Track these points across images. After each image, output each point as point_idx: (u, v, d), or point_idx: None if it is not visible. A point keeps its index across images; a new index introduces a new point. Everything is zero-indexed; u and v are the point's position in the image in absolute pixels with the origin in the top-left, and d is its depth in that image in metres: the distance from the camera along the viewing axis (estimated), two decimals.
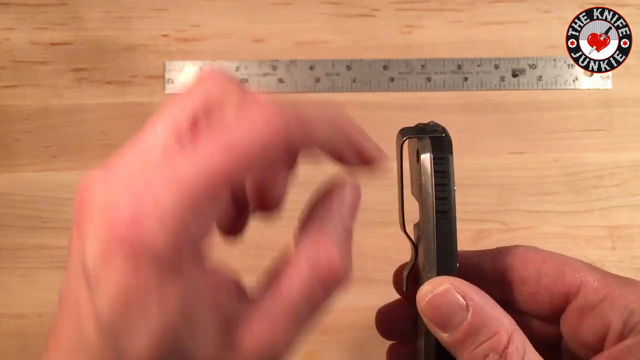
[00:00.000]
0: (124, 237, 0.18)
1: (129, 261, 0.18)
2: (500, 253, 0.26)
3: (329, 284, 0.21)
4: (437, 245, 0.24)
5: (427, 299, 0.23)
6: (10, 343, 0.51)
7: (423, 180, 0.24)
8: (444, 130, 0.25)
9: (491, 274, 0.26)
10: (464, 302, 0.22)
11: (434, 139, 0.24)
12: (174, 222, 0.19)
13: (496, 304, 0.23)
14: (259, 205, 0.24)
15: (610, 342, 0.23)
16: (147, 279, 0.19)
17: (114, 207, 0.19)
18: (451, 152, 0.24)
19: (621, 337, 0.23)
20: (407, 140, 0.26)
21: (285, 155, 0.21)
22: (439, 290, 0.23)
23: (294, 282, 0.21)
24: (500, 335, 0.22)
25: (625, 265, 0.53)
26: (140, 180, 0.19)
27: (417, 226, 0.25)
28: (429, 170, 0.24)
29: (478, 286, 0.24)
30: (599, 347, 0.24)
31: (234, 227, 0.25)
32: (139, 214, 0.19)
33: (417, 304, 0.23)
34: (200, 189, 0.19)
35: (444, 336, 0.23)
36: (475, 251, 0.27)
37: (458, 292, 0.23)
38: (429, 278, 0.24)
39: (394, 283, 0.27)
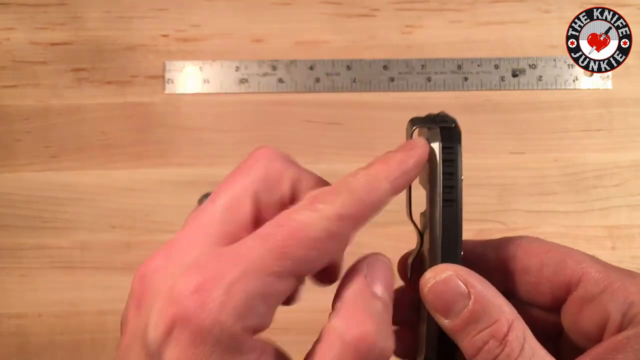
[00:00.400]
0: (189, 316, 0.19)
1: (192, 339, 0.19)
2: (504, 243, 0.27)
3: (365, 357, 0.20)
4: (442, 234, 0.24)
5: (429, 285, 0.23)
6: (10, 343, 0.51)
7: (431, 169, 0.25)
8: (453, 120, 0.25)
9: (494, 263, 0.26)
10: (466, 290, 0.23)
11: (444, 129, 0.25)
12: (240, 304, 0.19)
13: (498, 292, 0.23)
14: (317, 278, 0.25)
15: (609, 333, 0.24)
16: (209, 358, 0.19)
17: (179, 285, 0.19)
18: (460, 142, 0.25)
19: (620, 329, 0.23)
20: (417, 129, 0.26)
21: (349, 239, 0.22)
22: (441, 277, 0.23)
23: (328, 358, 0.21)
24: (501, 323, 0.22)
25: (625, 265, 0.53)
26: (205, 259, 0.20)
27: (423, 215, 0.26)
28: (437, 158, 0.24)
29: (481, 275, 0.24)
30: (598, 338, 0.24)
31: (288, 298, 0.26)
32: (204, 294, 0.19)
33: (420, 290, 0.24)
34: (269, 271, 0.20)
35: (445, 322, 0.23)
36: (480, 241, 0.27)
37: (460, 280, 0.23)
38: (433, 265, 0.24)
39: (398, 270, 0.27)
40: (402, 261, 0.27)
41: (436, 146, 0.24)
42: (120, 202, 0.53)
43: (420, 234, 0.26)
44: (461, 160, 0.25)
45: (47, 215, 0.53)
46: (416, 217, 0.26)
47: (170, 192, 0.53)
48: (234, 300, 0.19)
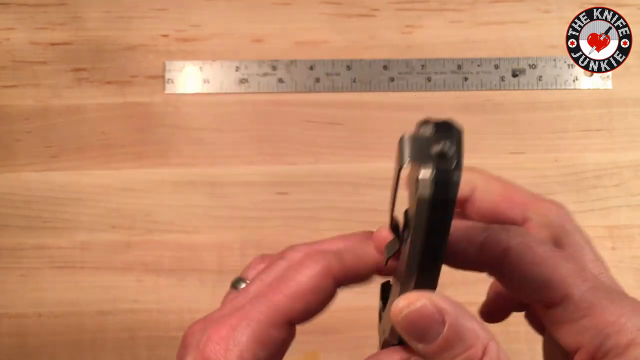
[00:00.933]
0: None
1: None
2: (489, 245, 0.25)
3: None
4: (419, 271, 0.22)
5: (403, 314, 0.23)
6: (10, 343, 0.51)
7: (415, 218, 0.21)
8: (456, 152, 0.20)
9: (476, 261, 0.26)
10: (440, 317, 0.22)
11: (439, 174, 0.20)
12: (248, 355, 0.24)
13: (472, 315, 0.23)
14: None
15: (580, 359, 0.24)
16: None
17: (205, 344, 0.24)
18: (456, 192, 0.20)
19: (592, 358, 0.23)
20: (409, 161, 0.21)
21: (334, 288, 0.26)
22: (415, 307, 0.23)
23: None
24: (476, 348, 0.22)
25: (625, 265, 0.53)
26: (226, 326, 0.25)
27: (406, 214, 0.23)
28: (424, 213, 0.20)
29: (459, 260, 0.25)
30: (571, 349, 0.24)
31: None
32: (223, 349, 0.24)
33: (392, 317, 0.23)
34: (268, 328, 0.24)
35: (418, 347, 0.23)
36: (465, 233, 0.25)
37: (434, 307, 0.22)
38: (405, 287, 0.23)
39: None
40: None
41: (425, 198, 0.20)
42: (120, 202, 0.53)
43: (400, 239, 0.24)
44: (453, 210, 0.20)
45: (47, 215, 0.53)
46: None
47: (170, 192, 0.53)
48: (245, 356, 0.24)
